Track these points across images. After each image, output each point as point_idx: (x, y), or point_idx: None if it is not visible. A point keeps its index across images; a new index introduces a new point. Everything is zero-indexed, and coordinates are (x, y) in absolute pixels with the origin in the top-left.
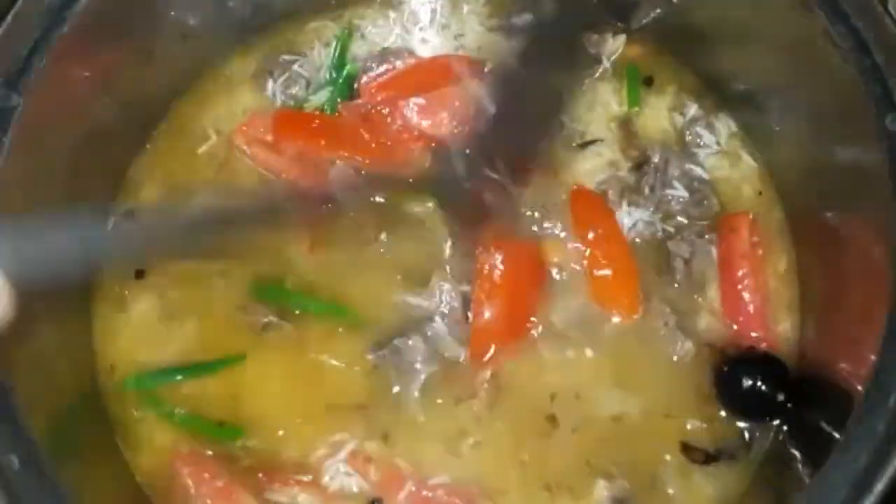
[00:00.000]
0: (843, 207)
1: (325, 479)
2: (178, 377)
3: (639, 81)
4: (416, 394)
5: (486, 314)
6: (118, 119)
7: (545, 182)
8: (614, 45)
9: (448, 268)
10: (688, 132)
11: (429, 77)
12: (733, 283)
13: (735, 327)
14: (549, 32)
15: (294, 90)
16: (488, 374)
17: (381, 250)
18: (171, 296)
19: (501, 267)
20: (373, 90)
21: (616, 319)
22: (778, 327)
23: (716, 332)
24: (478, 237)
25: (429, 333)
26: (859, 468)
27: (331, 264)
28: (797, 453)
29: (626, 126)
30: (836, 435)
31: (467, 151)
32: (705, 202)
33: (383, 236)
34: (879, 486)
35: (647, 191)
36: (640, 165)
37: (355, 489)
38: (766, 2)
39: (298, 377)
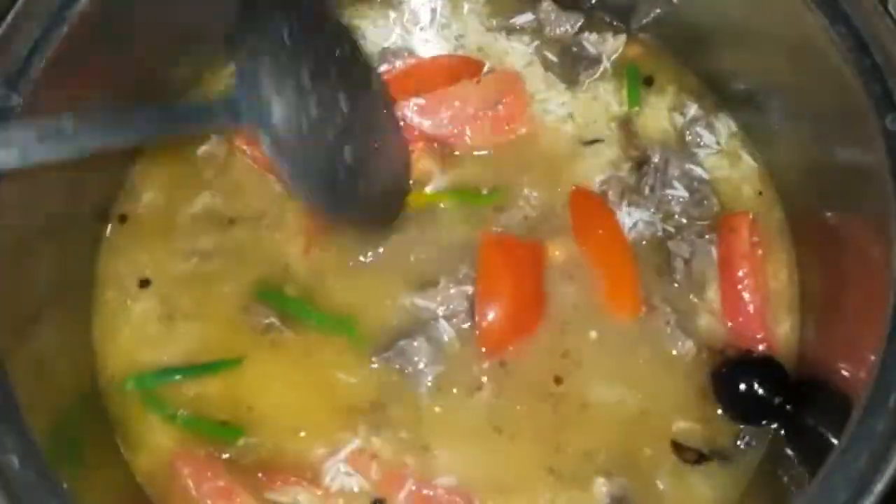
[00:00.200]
0: (843, 207)
1: (326, 479)
2: (179, 377)
3: (639, 81)
4: (422, 394)
5: (490, 315)
6: None
7: (546, 182)
8: (614, 45)
9: (454, 269)
10: (688, 132)
11: (429, 77)
12: (733, 283)
13: (735, 327)
14: None
15: None
16: (492, 374)
17: (386, 251)
18: (172, 296)
19: (503, 268)
20: None
21: (617, 319)
22: (778, 327)
23: (716, 331)
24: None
25: (434, 335)
26: (859, 468)
27: (334, 265)
28: (795, 455)
29: (626, 126)
30: (835, 437)
31: None
32: (705, 202)
33: (388, 237)
34: (879, 487)
35: (647, 191)
36: (640, 165)
37: (356, 489)
38: (766, 2)
39: (300, 378)
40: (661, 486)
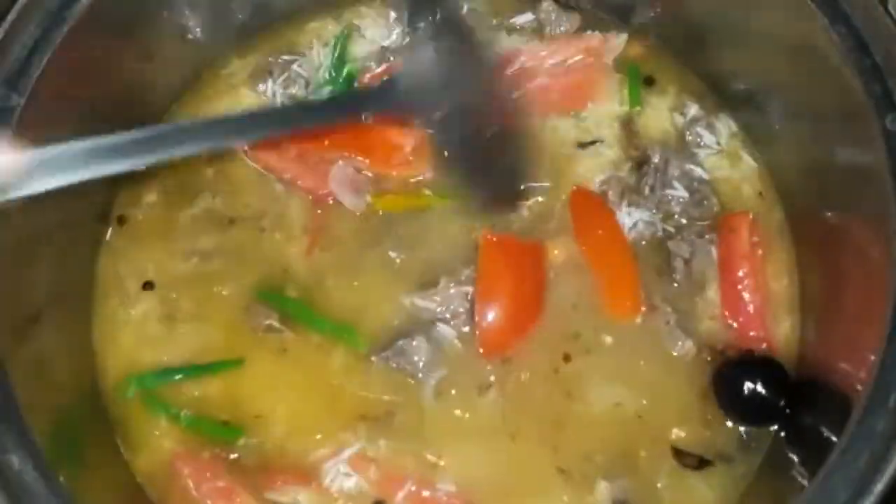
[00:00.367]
0: (843, 207)
1: (326, 480)
2: (179, 377)
3: (640, 81)
4: (421, 394)
5: (490, 315)
6: (118, 119)
7: (546, 182)
8: (615, 45)
9: (454, 269)
10: (688, 132)
11: None
12: (733, 283)
13: (735, 327)
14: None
15: (293, 90)
16: (491, 375)
17: (386, 251)
18: (173, 297)
19: (503, 268)
20: None
21: (617, 319)
22: (778, 327)
23: (716, 331)
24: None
25: (434, 335)
26: (859, 469)
27: (334, 266)
28: (796, 456)
29: (627, 126)
30: (835, 438)
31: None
32: (705, 202)
33: (388, 237)
34: (879, 487)
35: (647, 191)
36: (640, 165)
37: (355, 490)
38: (766, 2)
39: (300, 378)
40: (661, 487)
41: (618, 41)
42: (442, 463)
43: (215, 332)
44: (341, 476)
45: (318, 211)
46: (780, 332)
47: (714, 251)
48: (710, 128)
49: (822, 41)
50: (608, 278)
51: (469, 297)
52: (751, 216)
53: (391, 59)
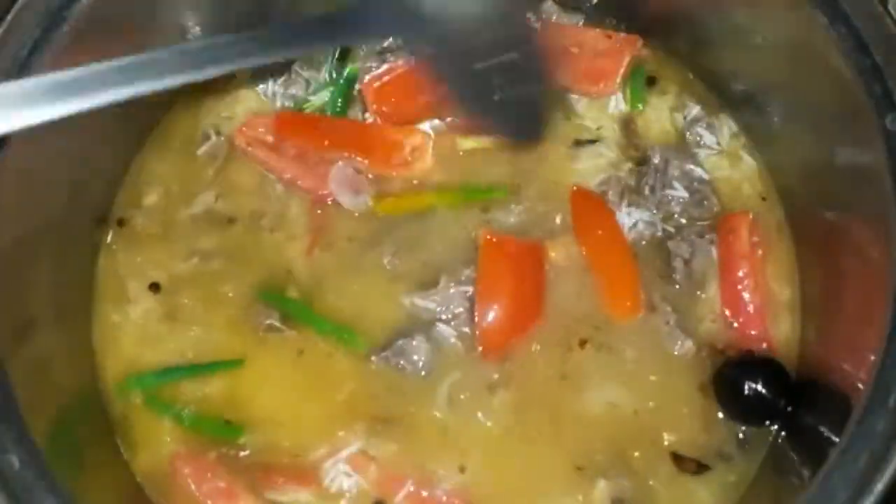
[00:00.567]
0: (843, 207)
1: (326, 479)
2: (179, 377)
3: (642, 81)
4: (420, 394)
5: (490, 315)
6: (118, 119)
7: (545, 182)
8: (637, 47)
9: (454, 269)
10: (688, 132)
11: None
12: (733, 283)
13: (735, 327)
14: None
15: (293, 90)
16: (491, 374)
17: (386, 251)
18: (173, 297)
19: (504, 268)
20: (376, 90)
21: (617, 319)
22: (778, 327)
23: (716, 331)
24: (480, 235)
25: (434, 335)
26: (859, 468)
27: (334, 265)
28: (796, 456)
29: (627, 126)
30: (835, 438)
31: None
32: (705, 202)
33: (388, 237)
34: (879, 486)
35: (647, 191)
36: (640, 165)
37: (355, 490)
38: (766, 2)
39: (300, 378)
40: (660, 487)
41: (639, 44)
42: (440, 462)
43: (216, 332)
44: (341, 476)
45: (318, 211)
46: (780, 331)
47: (714, 251)
48: (711, 128)
49: (822, 41)
50: (608, 278)
51: (469, 297)
52: (751, 216)
53: (392, 59)
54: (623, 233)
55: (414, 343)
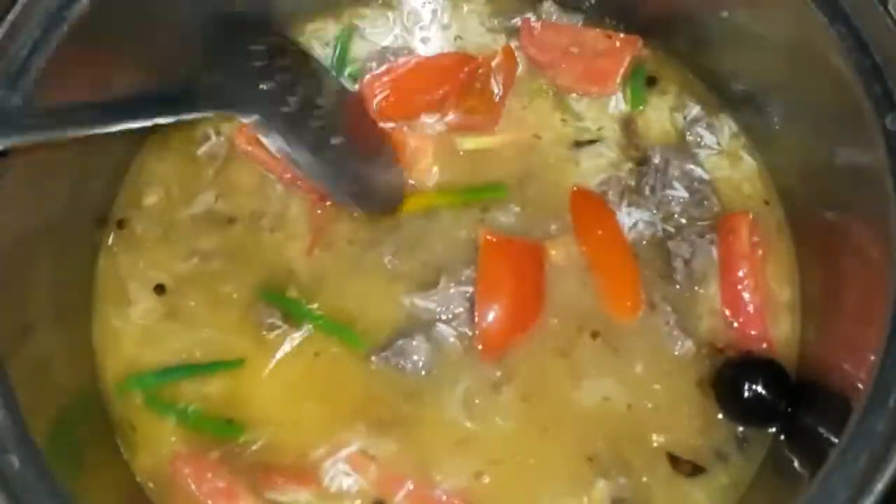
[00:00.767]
0: (843, 207)
1: (326, 479)
2: (179, 377)
3: (642, 81)
4: (420, 394)
5: (490, 315)
6: None
7: (546, 182)
8: (638, 48)
9: (454, 269)
10: (689, 132)
11: (431, 76)
12: (733, 283)
13: (735, 327)
14: None
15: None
16: (490, 374)
17: (387, 252)
18: (173, 296)
19: (504, 268)
20: (376, 90)
21: (617, 319)
22: (778, 327)
23: (716, 331)
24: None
25: (434, 335)
26: (859, 468)
27: (335, 265)
28: (795, 457)
29: (628, 126)
30: (835, 439)
31: None
32: (705, 202)
33: (388, 237)
34: (879, 486)
35: (647, 191)
36: (640, 166)
37: (355, 489)
38: (766, 2)
39: (300, 377)
40: (659, 488)
41: (639, 44)
42: (440, 462)
43: (216, 332)
44: (341, 475)
45: (319, 211)
46: (780, 331)
47: (714, 251)
48: (711, 128)
49: (822, 41)
50: (608, 278)
51: (469, 298)
52: (751, 216)
53: (392, 59)
54: (623, 233)
55: (414, 343)
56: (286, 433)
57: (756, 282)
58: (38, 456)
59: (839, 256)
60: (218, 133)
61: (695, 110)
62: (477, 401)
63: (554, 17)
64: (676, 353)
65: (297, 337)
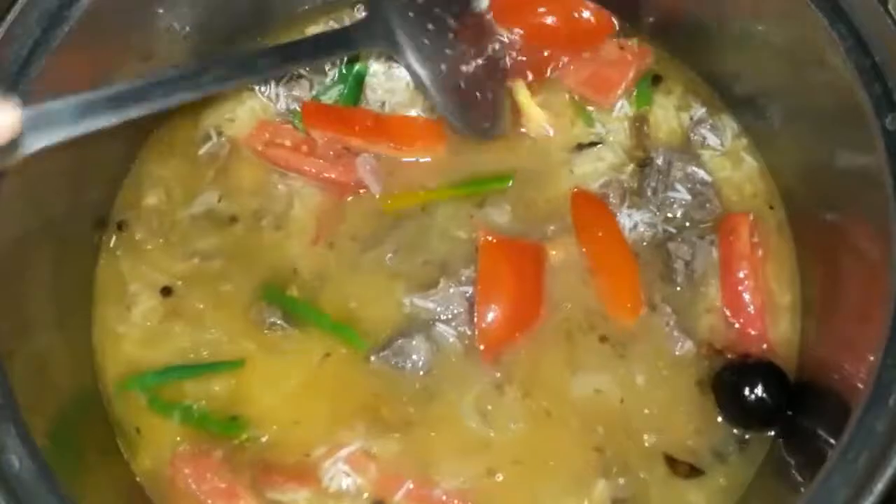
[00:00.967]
0: (843, 207)
1: (325, 479)
2: (179, 377)
3: (648, 81)
4: (420, 393)
5: (490, 316)
6: None
7: (547, 183)
8: (648, 62)
9: (454, 269)
10: (692, 133)
11: None
12: (734, 283)
13: (736, 327)
14: None
15: (297, 91)
16: (489, 375)
17: (387, 251)
18: (174, 296)
19: (504, 268)
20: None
21: (617, 321)
22: (778, 327)
23: (716, 332)
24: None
25: (433, 334)
26: (859, 468)
27: (335, 265)
28: (794, 460)
29: (638, 126)
30: (834, 441)
31: None
32: (707, 205)
33: (389, 237)
34: (879, 486)
35: (648, 192)
36: (642, 167)
37: (354, 489)
38: (766, 3)
39: (301, 377)
40: (658, 489)
41: (648, 59)
42: (439, 462)
43: (217, 332)
44: (340, 475)
45: (319, 210)
46: (780, 332)
47: (714, 252)
48: (714, 129)
49: (822, 41)
50: (609, 280)
51: (468, 298)
52: (751, 217)
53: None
54: (624, 234)
55: (413, 343)
56: (287, 432)
57: (756, 282)
58: (38, 456)
59: (839, 257)
60: (219, 133)
61: (699, 111)
62: (477, 401)
63: None
64: (677, 353)
65: (297, 336)
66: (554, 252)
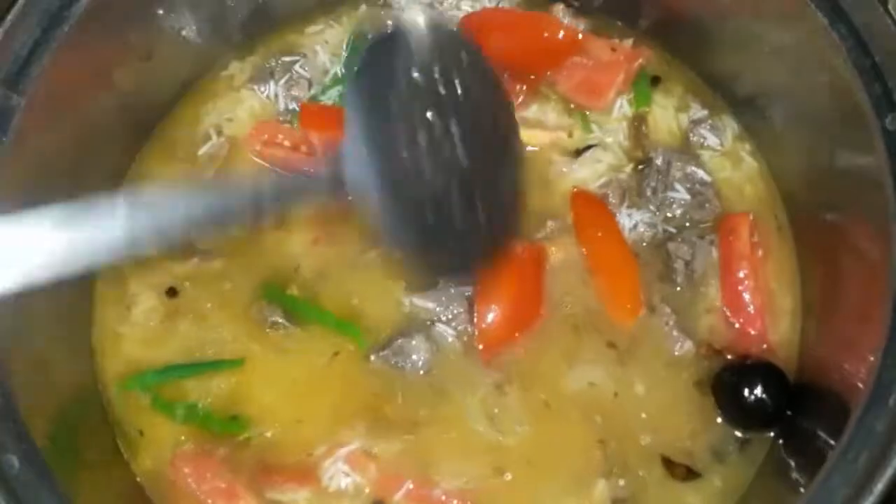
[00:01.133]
0: (843, 208)
1: (325, 478)
2: (179, 376)
3: (646, 81)
4: (419, 393)
5: (490, 316)
6: (118, 119)
7: (546, 183)
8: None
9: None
10: (692, 134)
11: None
12: (734, 283)
13: (736, 327)
14: None
15: (295, 91)
16: (489, 375)
17: (387, 251)
18: (175, 296)
19: (503, 269)
20: None
21: (617, 321)
22: (778, 327)
23: (716, 332)
24: None
25: (433, 334)
26: (859, 469)
27: (336, 264)
28: (793, 461)
29: (637, 126)
30: (834, 442)
31: None
32: (707, 205)
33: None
34: (879, 487)
35: (648, 193)
36: (642, 167)
37: (354, 489)
38: (766, 3)
39: (301, 376)
40: (657, 490)
41: (640, 59)
42: (439, 462)
43: (217, 331)
44: (340, 474)
45: (319, 210)
46: (780, 332)
47: (714, 252)
48: (714, 129)
49: (822, 41)
50: (608, 280)
51: (468, 298)
52: (751, 217)
53: None
54: (623, 234)
55: (413, 342)
56: (287, 432)
57: (756, 282)
58: (38, 456)
59: (839, 257)
60: (219, 133)
61: (699, 112)
62: (483, 404)
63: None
64: (676, 353)
65: (300, 335)
66: (556, 252)
